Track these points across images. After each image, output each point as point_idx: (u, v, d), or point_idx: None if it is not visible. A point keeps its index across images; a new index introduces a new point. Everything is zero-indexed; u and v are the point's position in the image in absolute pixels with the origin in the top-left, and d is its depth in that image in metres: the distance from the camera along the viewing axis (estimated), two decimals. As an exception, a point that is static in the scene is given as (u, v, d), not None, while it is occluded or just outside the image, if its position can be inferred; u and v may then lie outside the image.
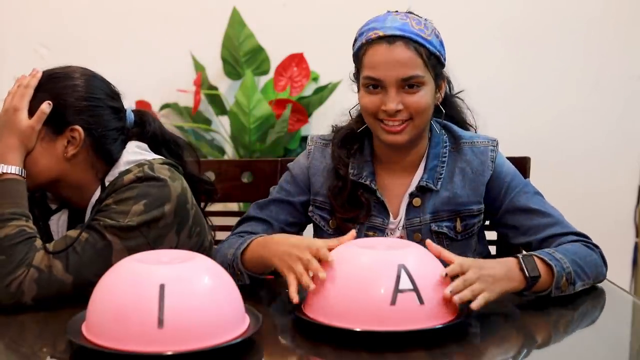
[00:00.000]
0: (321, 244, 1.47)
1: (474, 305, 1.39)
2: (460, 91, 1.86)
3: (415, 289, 1.35)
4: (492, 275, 1.44)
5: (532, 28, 3.30)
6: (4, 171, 1.58)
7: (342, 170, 1.78)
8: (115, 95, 1.71)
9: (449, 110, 1.81)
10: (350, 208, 1.76)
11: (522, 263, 1.50)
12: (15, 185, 1.57)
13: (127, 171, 1.63)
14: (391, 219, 1.77)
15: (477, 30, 3.26)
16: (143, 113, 1.79)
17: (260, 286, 1.69)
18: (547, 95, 3.33)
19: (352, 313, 1.35)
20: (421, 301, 1.35)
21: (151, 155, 1.71)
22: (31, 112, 1.60)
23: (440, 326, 1.34)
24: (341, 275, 1.40)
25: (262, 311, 1.42)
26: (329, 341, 1.35)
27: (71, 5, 3.22)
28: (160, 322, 1.22)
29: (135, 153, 1.69)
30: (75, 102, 1.63)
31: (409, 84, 1.65)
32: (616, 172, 3.38)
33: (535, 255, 1.53)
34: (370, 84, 1.68)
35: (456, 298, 1.37)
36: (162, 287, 1.24)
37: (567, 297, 1.59)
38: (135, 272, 1.29)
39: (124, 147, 1.69)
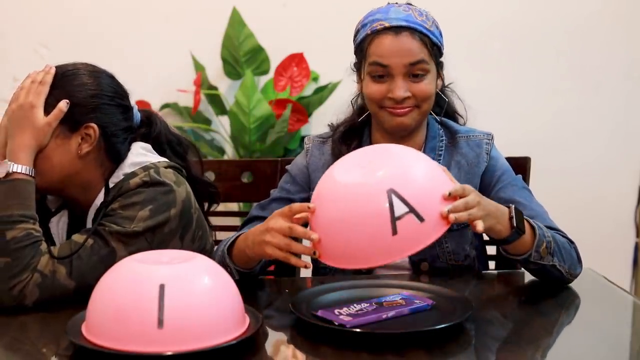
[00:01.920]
0: (285, 207, 1.49)
1: (480, 228, 1.41)
2: (450, 83, 1.88)
3: (412, 209, 1.32)
4: (487, 208, 1.46)
5: (531, 28, 3.30)
6: (15, 170, 1.56)
7: None
8: (124, 94, 1.70)
9: (440, 102, 1.83)
10: None
11: (513, 212, 1.51)
12: (25, 186, 1.56)
13: (133, 174, 1.63)
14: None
15: (475, 30, 3.26)
16: (150, 113, 1.78)
17: (260, 286, 1.69)
18: (547, 95, 3.33)
19: (359, 254, 1.35)
20: (421, 219, 1.33)
21: (155, 158, 1.70)
22: (44, 109, 1.59)
23: (440, 326, 1.34)
24: (333, 221, 1.38)
25: (262, 311, 1.43)
26: (329, 341, 1.35)
27: (71, 5, 3.23)
28: (160, 322, 1.22)
29: (139, 154, 1.68)
30: (88, 99, 1.61)
31: (415, 72, 1.69)
32: (617, 172, 3.38)
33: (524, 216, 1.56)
34: (376, 72, 1.70)
35: (452, 217, 1.37)
36: (162, 287, 1.24)
37: (567, 297, 1.59)
38: (135, 272, 1.29)
39: (129, 148, 1.68)
